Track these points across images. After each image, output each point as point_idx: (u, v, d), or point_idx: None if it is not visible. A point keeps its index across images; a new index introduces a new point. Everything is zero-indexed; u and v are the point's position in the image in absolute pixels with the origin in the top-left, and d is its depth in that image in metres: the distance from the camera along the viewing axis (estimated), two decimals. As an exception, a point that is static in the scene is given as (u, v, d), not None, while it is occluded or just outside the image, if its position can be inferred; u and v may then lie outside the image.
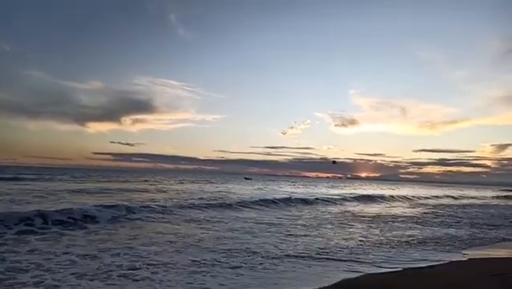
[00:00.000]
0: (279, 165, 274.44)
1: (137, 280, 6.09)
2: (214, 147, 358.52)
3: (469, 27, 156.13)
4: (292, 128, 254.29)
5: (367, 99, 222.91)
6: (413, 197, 38.18)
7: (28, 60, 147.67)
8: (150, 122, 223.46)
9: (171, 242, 9.32)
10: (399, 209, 23.65)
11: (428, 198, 39.01)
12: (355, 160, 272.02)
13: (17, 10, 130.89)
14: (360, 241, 10.66)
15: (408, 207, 26.43)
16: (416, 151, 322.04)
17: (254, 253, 8.39)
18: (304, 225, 13.49)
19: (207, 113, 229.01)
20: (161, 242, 9.28)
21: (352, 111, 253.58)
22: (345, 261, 8.01)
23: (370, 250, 9.28)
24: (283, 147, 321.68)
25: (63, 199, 18.49)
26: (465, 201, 37.45)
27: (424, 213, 21.49)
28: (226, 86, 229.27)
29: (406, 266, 7.76)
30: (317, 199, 26.56)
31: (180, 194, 25.57)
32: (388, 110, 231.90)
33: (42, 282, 5.83)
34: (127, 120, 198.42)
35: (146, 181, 48.19)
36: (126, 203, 16.04)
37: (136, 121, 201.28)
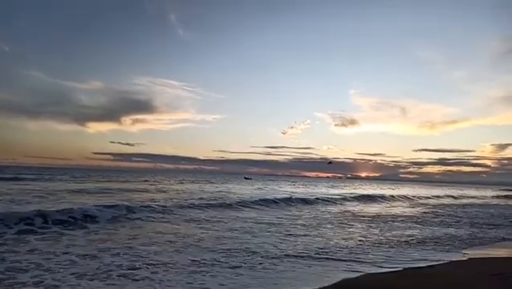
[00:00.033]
0: (279, 165, 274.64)
1: (137, 280, 6.09)
2: (214, 147, 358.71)
3: (469, 27, 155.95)
4: (292, 127, 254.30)
5: (367, 99, 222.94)
6: (413, 196, 38.19)
7: (28, 60, 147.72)
8: (150, 122, 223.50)
9: (171, 241, 9.32)
10: (399, 209, 23.66)
11: (428, 198, 39.02)
12: (355, 159, 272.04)
13: (17, 10, 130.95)
14: (360, 240, 10.66)
15: (407, 207, 26.43)
16: (416, 151, 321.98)
17: (254, 253, 8.39)
18: (304, 225, 13.50)
19: (207, 113, 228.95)
20: (161, 241, 9.28)
21: (352, 111, 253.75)
22: (345, 261, 8.02)
23: (370, 250, 9.29)
24: (283, 147, 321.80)
25: (63, 199, 18.49)
26: (464, 201, 37.46)
27: (424, 212, 21.49)
28: (226, 86, 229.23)
29: (406, 265, 7.76)
30: (317, 199, 26.57)
31: (180, 194, 25.57)
32: (388, 110, 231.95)
33: (42, 282, 5.84)
34: (127, 120, 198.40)
35: (146, 181, 48.19)
36: (126, 203, 16.04)
37: (136, 121, 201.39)
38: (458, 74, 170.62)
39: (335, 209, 21.60)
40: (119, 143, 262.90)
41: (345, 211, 20.34)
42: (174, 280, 6.16)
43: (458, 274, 6.95)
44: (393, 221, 16.04)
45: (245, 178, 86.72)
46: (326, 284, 6.15)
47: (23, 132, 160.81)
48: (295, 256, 8.23)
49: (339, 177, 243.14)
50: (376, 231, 12.76)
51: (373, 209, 23.20)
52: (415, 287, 6.14)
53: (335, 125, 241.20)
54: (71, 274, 6.27)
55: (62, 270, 6.49)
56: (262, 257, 8.03)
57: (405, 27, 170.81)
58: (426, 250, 9.62)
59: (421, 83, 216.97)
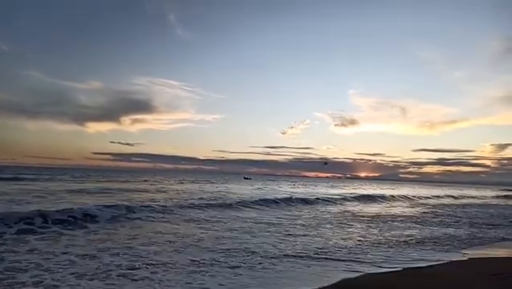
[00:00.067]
0: (279, 165, 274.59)
1: (136, 280, 6.09)
2: (214, 147, 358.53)
3: (469, 27, 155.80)
4: (292, 127, 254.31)
5: (366, 99, 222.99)
6: (413, 196, 38.19)
7: (27, 60, 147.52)
8: (149, 122, 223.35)
9: (170, 241, 9.32)
10: (398, 209, 23.67)
11: (428, 198, 39.04)
12: (354, 159, 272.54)
13: (17, 10, 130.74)
14: (359, 240, 10.67)
15: (407, 207, 26.44)
16: (416, 151, 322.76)
17: (253, 253, 8.40)
18: (303, 225, 13.50)
19: (206, 113, 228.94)
20: (161, 241, 9.28)
21: (352, 111, 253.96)
22: (344, 261, 8.02)
23: (369, 250, 9.29)
24: (283, 147, 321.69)
25: (63, 199, 18.48)
26: (464, 201, 37.49)
27: (424, 212, 21.50)
28: (226, 86, 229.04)
29: (405, 265, 7.77)
30: (316, 199, 26.57)
31: (180, 194, 25.57)
32: (388, 110, 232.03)
33: (42, 281, 5.84)
34: (126, 119, 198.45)
35: (146, 180, 48.19)
36: (126, 203, 16.02)
37: (135, 121, 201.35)
38: (458, 74, 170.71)
39: (334, 209, 21.61)
40: (118, 143, 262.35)
41: (344, 211, 20.34)
42: (174, 280, 6.16)
43: (458, 274, 6.96)
44: (392, 221, 16.05)
45: (245, 178, 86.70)
46: (325, 284, 6.16)
47: (23, 132, 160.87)
48: (295, 256, 8.23)
49: (339, 177, 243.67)
50: (376, 231, 12.77)
51: (372, 209, 23.21)
52: (415, 287, 6.15)
53: (335, 125, 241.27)
54: (71, 274, 6.27)
55: (61, 270, 6.49)
56: (261, 257, 8.03)
57: (405, 27, 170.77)
58: (426, 250, 9.63)
59: (421, 83, 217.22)
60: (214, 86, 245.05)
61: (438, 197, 42.05)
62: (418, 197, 37.91)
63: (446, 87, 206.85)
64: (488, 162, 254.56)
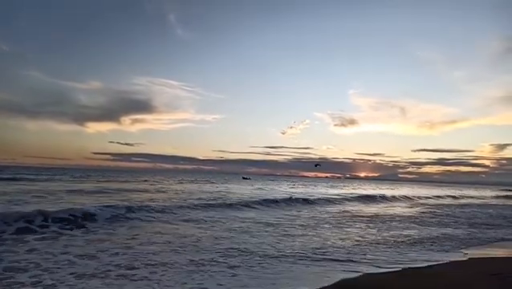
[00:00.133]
0: (279, 165, 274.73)
1: (135, 280, 6.08)
2: (214, 147, 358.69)
3: (469, 27, 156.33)
4: (291, 127, 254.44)
5: (366, 99, 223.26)
6: (412, 196, 38.20)
7: (27, 60, 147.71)
8: (149, 122, 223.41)
9: (169, 241, 9.31)
10: (397, 209, 23.67)
11: (427, 198, 39.04)
12: (354, 159, 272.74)
13: (17, 10, 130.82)
14: (358, 241, 10.66)
15: (406, 207, 26.44)
16: (416, 151, 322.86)
17: (252, 253, 8.39)
18: (302, 225, 13.50)
19: (206, 113, 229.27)
20: (160, 241, 9.28)
21: (352, 111, 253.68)
22: (343, 261, 8.01)
23: (368, 250, 9.29)
24: (283, 147, 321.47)
25: (62, 199, 18.45)
26: (463, 201, 37.50)
27: (423, 212, 21.50)
28: (226, 86, 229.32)
29: (405, 266, 7.76)
30: (316, 199, 26.55)
31: (180, 194, 25.55)
32: (388, 110, 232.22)
33: (41, 281, 5.83)
34: (126, 119, 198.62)
35: (145, 181, 48.15)
36: (125, 203, 16.03)
37: (135, 121, 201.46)
38: (458, 74, 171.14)
39: (333, 209, 21.60)
40: (118, 143, 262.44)
41: (344, 211, 20.34)
42: (172, 280, 6.15)
43: (457, 274, 6.96)
44: (391, 222, 16.05)
45: (244, 178, 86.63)
46: (325, 284, 6.15)
47: (22, 132, 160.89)
48: (293, 256, 8.22)
49: (338, 177, 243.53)
50: (375, 231, 12.77)
51: (372, 209, 23.21)
52: (414, 287, 6.14)
53: (335, 125, 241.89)
54: (70, 274, 6.26)
55: (60, 270, 6.48)
56: (260, 257, 8.03)
57: (405, 27, 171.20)
58: (425, 250, 9.63)
59: (421, 83, 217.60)
60: (214, 86, 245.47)
61: (437, 197, 42.04)
62: (417, 197, 37.90)
63: (446, 87, 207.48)
64: (487, 162, 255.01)
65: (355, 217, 17.18)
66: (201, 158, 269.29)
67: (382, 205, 27.90)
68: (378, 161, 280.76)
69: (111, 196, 21.78)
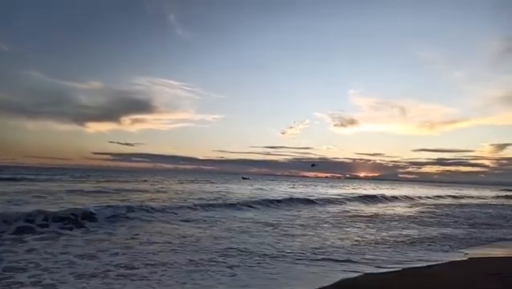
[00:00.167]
0: (279, 165, 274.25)
1: (135, 280, 6.08)
2: (214, 147, 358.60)
3: (469, 27, 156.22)
4: (291, 127, 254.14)
5: (366, 99, 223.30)
6: (412, 196, 38.20)
7: (27, 60, 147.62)
8: (149, 122, 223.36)
9: (169, 241, 9.32)
10: (397, 209, 23.68)
11: (427, 198, 39.03)
12: (354, 159, 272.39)
13: (17, 10, 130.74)
14: (358, 241, 10.67)
15: (406, 207, 26.44)
16: (415, 151, 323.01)
17: (252, 253, 8.39)
18: (302, 225, 13.50)
19: (206, 113, 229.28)
20: (160, 241, 9.28)
21: (352, 111, 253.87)
22: (343, 261, 8.01)
23: (367, 250, 9.29)
24: (283, 147, 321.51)
25: (62, 199, 18.44)
26: (463, 201, 37.50)
27: (423, 212, 21.50)
28: (226, 86, 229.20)
29: (405, 266, 7.76)
30: (316, 199, 26.54)
31: (180, 194, 25.54)
32: (388, 110, 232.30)
33: (40, 281, 5.83)
34: (126, 119, 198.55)
35: (145, 181, 48.14)
36: (125, 203, 16.04)
37: (135, 121, 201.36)
38: (458, 74, 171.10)
39: (333, 209, 21.61)
40: (118, 143, 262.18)
41: (344, 211, 20.34)
42: (172, 280, 6.15)
43: (457, 274, 6.96)
44: (391, 221, 16.05)
45: (243, 178, 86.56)
46: (324, 284, 6.15)
47: (22, 132, 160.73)
48: (293, 256, 8.23)
49: (338, 177, 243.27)
50: (374, 231, 12.77)
51: (372, 209, 23.21)
52: (414, 287, 6.14)
53: (335, 125, 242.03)
54: (70, 273, 6.27)
55: (60, 269, 6.48)
56: (259, 257, 8.03)
57: (405, 27, 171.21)
58: (424, 250, 9.63)
59: (421, 83, 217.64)
60: (214, 86, 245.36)
61: (437, 197, 42.04)
62: (417, 197, 37.90)
63: (446, 87, 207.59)
64: (487, 162, 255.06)
65: (355, 217, 17.18)
66: (201, 158, 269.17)
67: (382, 204, 27.90)
68: (378, 161, 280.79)
69: (111, 196, 21.78)
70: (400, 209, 24.31)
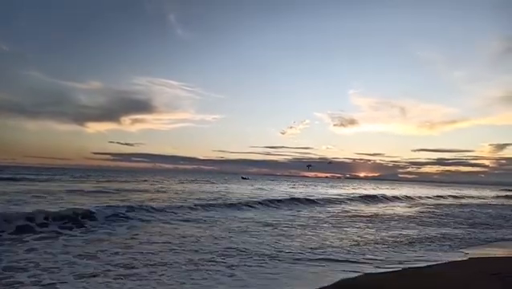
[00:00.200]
0: (279, 165, 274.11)
1: (134, 280, 6.08)
2: (214, 147, 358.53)
3: (469, 27, 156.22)
4: (291, 127, 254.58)
5: (366, 99, 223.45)
6: (412, 196, 38.20)
7: (27, 60, 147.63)
8: (149, 122, 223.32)
9: (169, 241, 9.31)
10: (397, 209, 23.68)
11: (427, 198, 39.04)
12: (354, 159, 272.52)
13: (17, 10, 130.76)
14: (358, 240, 10.66)
15: (406, 207, 26.44)
16: (415, 151, 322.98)
17: (251, 253, 8.39)
18: (302, 225, 13.50)
19: (206, 113, 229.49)
20: (159, 241, 9.28)
21: (351, 111, 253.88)
22: (342, 261, 8.01)
23: (367, 250, 9.29)
24: (282, 147, 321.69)
25: (62, 199, 18.43)
26: (463, 201, 37.51)
27: (423, 212, 21.51)
28: (226, 86, 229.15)
29: (404, 265, 7.76)
30: (316, 199, 26.55)
31: (180, 194, 25.54)
32: (388, 110, 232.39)
33: (40, 281, 5.83)
34: (126, 119, 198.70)
35: (145, 181, 48.14)
36: (125, 203, 16.04)
37: (135, 121, 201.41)
38: (458, 74, 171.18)
39: (333, 209, 21.61)
40: (118, 143, 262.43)
41: (343, 211, 20.35)
42: (172, 280, 6.15)
43: (457, 274, 6.96)
44: (392, 221, 16.05)
45: (243, 178, 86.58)
46: (324, 284, 6.15)
47: (22, 132, 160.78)
48: (293, 256, 8.22)
49: (338, 177, 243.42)
50: (374, 231, 12.77)
51: (371, 209, 23.21)
52: (414, 287, 6.14)
53: (334, 125, 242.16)
54: (70, 273, 6.27)
55: (60, 269, 6.48)
56: (259, 257, 8.02)
57: (405, 27, 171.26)
58: (424, 250, 9.63)
59: (421, 83, 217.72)
60: (214, 86, 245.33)
61: (437, 197, 42.05)
62: (417, 197, 37.90)
63: (446, 87, 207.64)
64: (487, 162, 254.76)
65: (355, 217, 17.18)
66: (201, 158, 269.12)
67: (381, 204, 27.90)
68: (378, 161, 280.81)
69: (111, 196, 21.78)
70: (400, 209, 24.31)
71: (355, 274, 6.88)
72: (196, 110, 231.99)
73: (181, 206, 16.69)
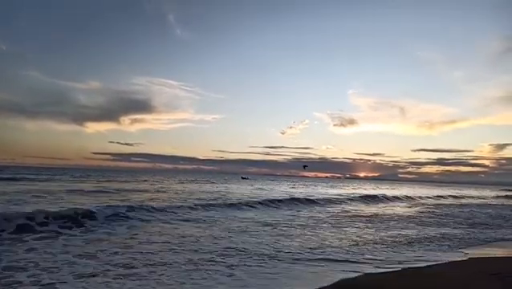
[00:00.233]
0: (278, 165, 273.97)
1: (134, 279, 6.08)
2: (213, 147, 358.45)
3: (469, 27, 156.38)
4: (291, 127, 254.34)
5: (366, 99, 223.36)
6: (412, 196, 38.20)
7: (27, 60, 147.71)
8: (149, 122, 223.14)
9: (169, 241, 9.31)
10: (397, 209, 23.68)
11: (427, 198, 39.04)
12: (353, 159, 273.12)
13: (17, 10, 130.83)
14: (357, 241, 10.66)
15: (406, 206, 26.44)
16: (415, 151, 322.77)
17: (251, 252, 8.39)
18: (301, 225, 13.50)
19: (206, 113, 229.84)
20: (159, 241, 9.28)
21: (351, 111, 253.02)
22: (342, 261, 8.01)
23: (367, 250, 9.28)
24: (282, 147, 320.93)
25: (62, 199, 18.43)
26: (463, 201, 37.51)
27: (422, 212, 21.51)
28: (225, 86, 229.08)
29: (404, 265, 7.76)
30: (316, 199, 26.55)
31: (179, 194, 25.54)
32: (387, 110, 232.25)
33: (40, 281, 5.83)
34: (125, 119, 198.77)
35: (145, 180, 48.15)
36: (125, 203, 16.04)
37: (134, 121, 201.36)
38: (457, 74, 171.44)
39: (333, 209, 21.61)
40: (118, 143, 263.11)
41: (343, 211, 20.35)
42: (171, 279, 6.15)
43: (457, 274, 6.96)
44: (391, 221, 16.05)
45: (242, 178, 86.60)
46: (324, 284, 6.15)
47: (22, 132, 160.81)
48: (292, 256, 8.22)
49: (338, 177, 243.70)
50: (374, 231, 12.77)
51: (371, 209, 23.21)
52: (414, 287, 6.14)
53: (334, 125, 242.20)
54: (69, 273, 6.26)
55: (59, 269, 6.48)
56: (258, 257, 8.02)
57: (405, 28, 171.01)
58: (424, 250, 9.63)
59: (421, 83, 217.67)
60: (214, 86, 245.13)
61: (437, 197, 42.05)
62: (417, 197, 37.90)
63: (446, 87, 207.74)
64: (486, 162, 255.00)
65: (355, 217, 17.18)
66: (200, 158, 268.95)
67: (381, 204, 27.90)
68: (378, 161, 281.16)
69: (111, 196, 21.79)
70: (400, 209, 24.31)
71: (355, 274, 6.88)
72: (195, 110, 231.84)
73: (181, 206, 16.69)
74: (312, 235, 11.25)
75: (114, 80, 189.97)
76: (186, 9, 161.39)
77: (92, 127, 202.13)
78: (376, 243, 10.32)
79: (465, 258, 8.80)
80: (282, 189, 40.81)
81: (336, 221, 15.13)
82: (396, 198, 34.51)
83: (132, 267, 6.76)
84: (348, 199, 29.15)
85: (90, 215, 12.22)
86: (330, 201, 26.33)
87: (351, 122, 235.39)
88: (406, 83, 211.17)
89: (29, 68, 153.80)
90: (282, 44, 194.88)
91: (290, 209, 19.69)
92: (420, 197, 38.44)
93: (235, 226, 12.41)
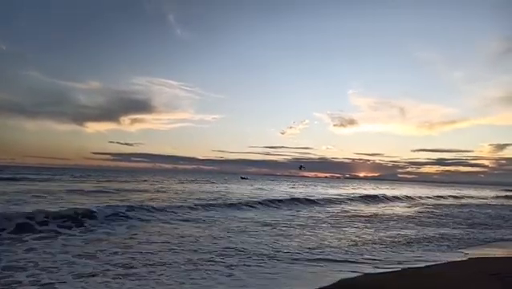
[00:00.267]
0: (278, 165, 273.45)
1: (133, 279, 6.08)
2: (213, 147, 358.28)
3: (469, 27, 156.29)
4: (291, 127, 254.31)
5: (365, 99, 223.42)
6: (411, 196, 38.19)
7: (27, 60, 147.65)
8: (149, 122, 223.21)
9: (168, 241, 9.31)
10: (396, 209, 23.67)
11: (427, 198, 39.02)
12: (353, 159, 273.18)
13: (17, 10, 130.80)
14: (357, 241, 10.66)
15: (406, 207, 26.44)
16: (415, 151, 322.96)
17: (251, 252, 8.39)
18: (301, 225, 13.49)
19: (206, 113, 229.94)
20: (159, 241, 9.27)
21: (351, 112, 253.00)
22: (342, 261, 8.01)
23: (366, 250, 9.28)
24: (282, 147, 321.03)
25: (62, 199, 18.43)
26: (463, 201, 37.50)
27: (421, 212, 21.51)
28: (225, 86, 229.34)
29: (404, 265, 7.76)
30: (315, 199, 26.55)
31: (179, 194, 25.54)
32: (387, 110, 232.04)
33: (39, 281, 5.83)
34: (125, 119, 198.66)
35: (145, 180, 48.13)
36: (124, 203, 16.04)
37: (134, 121, 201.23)
38: (457, 74, 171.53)
39: (333, 209, 21.60)
40: (117, 143, 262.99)
41: (343, 211, 20.34)
42: (171, 279, 6.15)
43: (457, 274, 6.96)
44: (390, 221, 16.05)
45: (242, 178, 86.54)
46: (324, 284, 6.15)
47: (22, 132, 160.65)
48: (291, 256, 8.22)
49: (338, 177, 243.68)
50: (373, 231, 12.77)
51: (371, 209, 23.21)
52: (414, 287, 6.14)
53: (334, 125, 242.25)
54: (69, 273, 6.26)
55: (59, 269, 6.48)
56: (258, 257, 8.02)
57: (405, 28, 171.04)
58: (424, 250, 9.63)
59: (420, 84, 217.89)
60: (214, 86, 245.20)
61: (437, 197, 42.04)
62: (417, 197, 37.89)
63: (445, 88, 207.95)
64: (486, 162, 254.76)
65: (354, 217, 17.18)
66: (200, 158, 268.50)
67: (381, 204, 27.89)
68: (377, 161, 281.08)
69: (111, 196, 21.79)
70: (399, 209, 24.30)
71: (354, 275, 6.88)
72: (195, 110, 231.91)
73: (181, 206, 16.69)
74: (311, 235, 11.25)
75: (114, 80, 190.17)
76: (186, 9, 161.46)
77: (92, 127, 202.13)
78: (375, 243, 10.32)
79: (464, 259, 8.80)
80: (281, 189, 40.80)
81: (336, 222, 15.13)
82: (395, 198, 34.50)
83: (132, 267, 6.76)
84: (348, 199, 29.15)
85: (90, 215, 12.22)
86: (329, 201, 26.33)
87: (351, 122, 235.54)
88: (406, 84, 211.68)
89: (29, 68, 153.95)
90: (282, 44, 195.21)
91: (290, 209, 19.69)
92: (420, 197, 38.43)
93: (235, 226, 12.41)
